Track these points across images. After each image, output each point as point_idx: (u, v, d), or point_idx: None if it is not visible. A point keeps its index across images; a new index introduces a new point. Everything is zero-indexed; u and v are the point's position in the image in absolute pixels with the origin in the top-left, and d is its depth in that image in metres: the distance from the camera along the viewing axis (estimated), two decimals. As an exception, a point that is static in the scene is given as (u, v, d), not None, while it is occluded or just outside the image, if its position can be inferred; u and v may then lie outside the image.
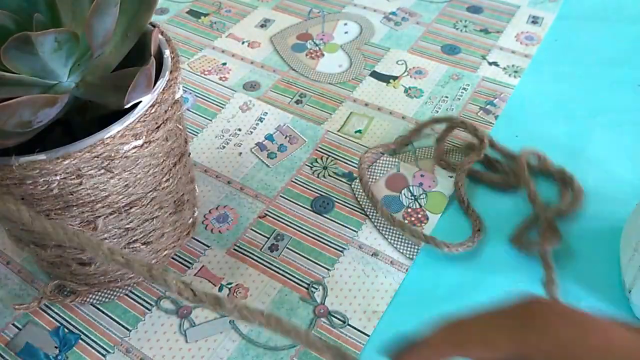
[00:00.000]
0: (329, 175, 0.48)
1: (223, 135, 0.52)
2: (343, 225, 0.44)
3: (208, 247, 0.42)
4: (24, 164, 0.26)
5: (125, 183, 0.31)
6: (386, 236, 0.43)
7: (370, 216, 0.44)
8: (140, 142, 0.29)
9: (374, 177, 0.47)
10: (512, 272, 0.40)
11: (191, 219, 0.42)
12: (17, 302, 0.39)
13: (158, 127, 0.31)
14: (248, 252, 0.42)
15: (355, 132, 0.52)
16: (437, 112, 0.53)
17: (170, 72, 0.32)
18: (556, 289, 0.37)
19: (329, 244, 0.42)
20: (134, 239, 0.35)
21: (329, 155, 0.49)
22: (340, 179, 0.47)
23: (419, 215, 0.44)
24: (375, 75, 0.58)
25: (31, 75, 0.26)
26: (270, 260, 0.41)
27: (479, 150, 0.46)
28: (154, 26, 0.31)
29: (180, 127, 0.34)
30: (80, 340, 0.37)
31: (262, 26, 0.66)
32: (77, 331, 0.38)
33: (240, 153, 0.50)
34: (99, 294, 0.39)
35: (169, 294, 0.39)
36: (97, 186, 0.29)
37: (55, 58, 0.25)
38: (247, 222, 0.44)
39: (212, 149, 0.50)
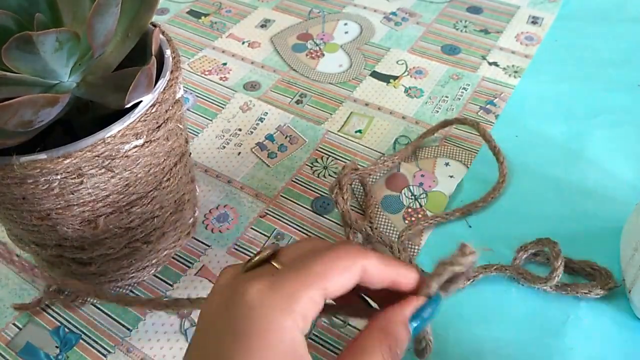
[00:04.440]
0: (330, 175, 0.48)
1: (223, 135, 0.52)
2: (343, 226, 0.44)
3: (208, 246, 0.43)
4: (25, 164, 0.26)
5: (126, 182, 0.31)
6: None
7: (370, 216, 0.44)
8: (141, 141, 0.30)
9: (375, 176, 0.47)
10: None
11: (192, 219, 0.42)
12: (17, 302, 0.39)
13: (159, 127, 0.31)
14: (248, 251, 0.42)
15: (356, 132, 0.52)
16: (438, 112, 0.53)
17: (171, 72, 0.32)
18: None
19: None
20: (134, 238, 0.35)
21: (330, 155, 0.49)
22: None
23: (419, 215, 0.44)
24: (376, 75, 0.58)
25: (32, 75, 0.26)
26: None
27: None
28: (154, 26, 0.31)
29: (180, 126, 0.34)
30: (80, 340, 0.37)
31: (262, 26, 0.66)
32: (77, 331, 0.38)
33: (240, 153, 0.50)
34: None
35: (169, 294, 0.39)
36: (98, 185, 0.29)
37: (57, 58, 0.25)
38: (247, 222, 0.44)
39: (212, 148, 0.50)
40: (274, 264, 0.24)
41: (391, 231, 0.43)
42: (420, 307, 0.25)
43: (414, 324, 0.24)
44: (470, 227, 0.43)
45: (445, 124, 0.49)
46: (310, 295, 0.22)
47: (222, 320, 0.22)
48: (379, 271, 0.24)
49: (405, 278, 0.25)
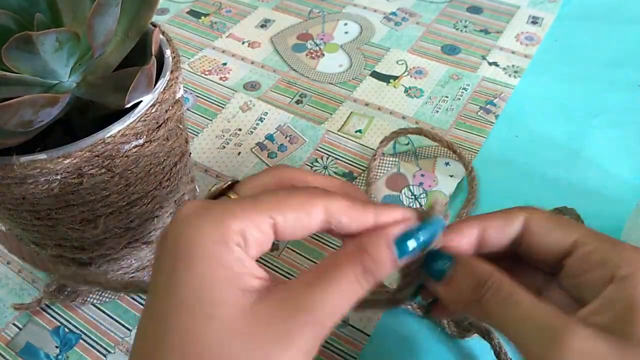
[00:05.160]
0: (330, 175, 0.48)
1: (223, 135, 0.52)
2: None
3: (208, 246, 0.42)
4: (25, 164, 0.26)
5: (126, 182, 0.31)
6: (386, 236, 0.43)
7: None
8: (141, 141, 0.30)
9: (375, 176, 0.47)
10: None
11: (191, 219, 0.42)
12: (17, 302, 0.39)
13: (159, 127, 0.31)
14: (248, 251, 0.42)
15: (356, 131, 0.52)
16: (438, 112, 0.53)
17: (171, 71, 0.32)
18: None
19: (330, 243, 0.42)
20: (134, 238, 0.35)
21: (329, 155, 0.49)
22: (341, 178, 0.47)
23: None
24: (376, 75, 0.58)
25: (32, 75, 0.26)
26: (271, 260, 0.41)
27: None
28: (154, 26, 0.31)
29: (180, 126, 0.34)
30: (80, 340, 0.37)
31: (262, 26, 0.66)
32: (77, 331, 0.38)
33: (240, 153, 0.50)
34: (100, 293, 0.39)
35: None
36: (97, 185, 0.29)
37: (57, 58, 0.25)
38: (247, 222, 0.44)
39: (212, 148, 0.50)
40: (230, 196, 0.22)
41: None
42: (411, 230, 0.21)
43: (402, 247, 0.21)
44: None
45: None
46: (252, 217, 0.20)
47: (162, 253, 0.20)
48: (348, 213, 0.21)
49: (390, 218, 0.21)
